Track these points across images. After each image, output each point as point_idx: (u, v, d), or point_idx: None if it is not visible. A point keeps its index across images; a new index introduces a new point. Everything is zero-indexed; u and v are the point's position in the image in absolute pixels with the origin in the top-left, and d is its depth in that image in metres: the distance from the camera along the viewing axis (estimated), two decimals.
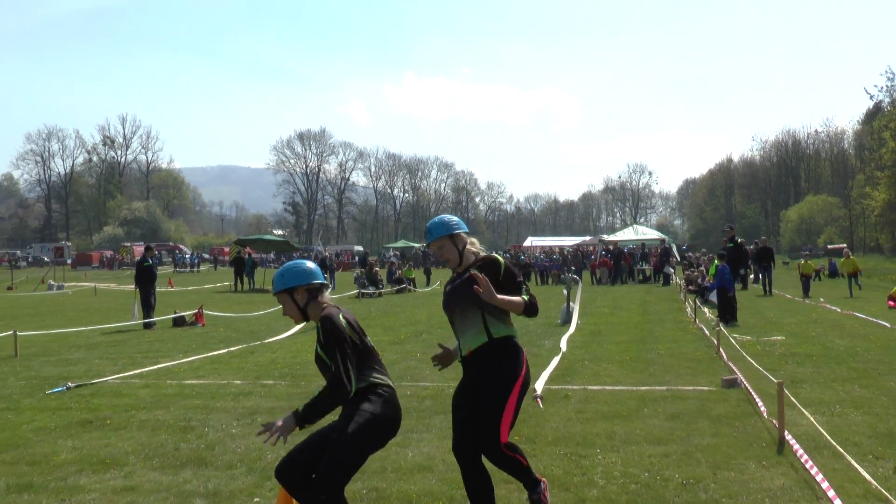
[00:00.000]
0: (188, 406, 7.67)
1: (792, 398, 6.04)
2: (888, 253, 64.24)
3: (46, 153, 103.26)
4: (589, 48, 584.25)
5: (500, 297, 3.89)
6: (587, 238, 65.41)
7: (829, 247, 64.60)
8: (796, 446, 5.42)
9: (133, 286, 18.17)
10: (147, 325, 16.39)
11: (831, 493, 4.41)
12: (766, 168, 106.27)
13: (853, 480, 4.79)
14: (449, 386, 8.52)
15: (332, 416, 3.89)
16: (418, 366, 10.09)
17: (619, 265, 35.25)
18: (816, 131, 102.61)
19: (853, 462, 4.86)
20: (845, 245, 51.93)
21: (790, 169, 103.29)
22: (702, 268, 27.57)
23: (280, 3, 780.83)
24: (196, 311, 17.19)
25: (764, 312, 17.52)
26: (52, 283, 37.54)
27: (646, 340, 12.56)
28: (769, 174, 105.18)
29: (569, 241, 62.17)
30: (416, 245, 74.80)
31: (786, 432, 5.71)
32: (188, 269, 61.22)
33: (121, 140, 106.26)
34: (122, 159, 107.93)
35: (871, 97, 74.25)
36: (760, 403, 6.95)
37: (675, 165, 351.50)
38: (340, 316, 3.86)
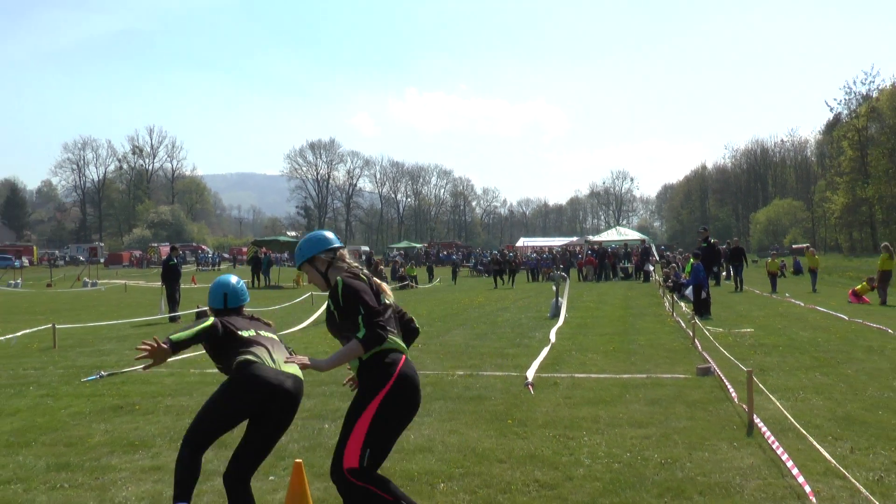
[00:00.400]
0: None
1: (760, 385, 6.05)
2: (846, 252, 64.26)
3: (82, 161, 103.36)
4: (575, 65, 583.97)
5: (329, 360, 3.39)
6: (574, 239, 65.36)
7: (793, 246, 64.61)
8: (764, 429, 5.43)
9: (160, 283, 18.17)
10: (172, 319, 16.39)
11: (795, 471, 4.42)
12: (737, 174, 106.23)
13: (815, 459, 4.80)
14: (448, 374, 8.53)
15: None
16: (420, 355, 10.08)
17: (604, 263, 35.30)
18: (782, 141, 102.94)
19: (815, 443, 4.87)
20: (808, 244, 51.97)
21: (759, 175, 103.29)
22: (673, 265, 27.57)
23: (293, 25, 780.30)
24: None
25: (735, 307, 17.52)
26: (87, 280, 37.54)
27: (628, 332, 12.56)
28: (740, 180, 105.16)
29: (558, 242, 62.12)
30: (418, 245, 74.86)
31: (754, 416, 5.72)
32: (210, 268, 61.35)
33: (148, 149, 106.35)
34: (150, 167, 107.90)
35: (831, 109, 74.81)
36: (731, 390, 6.96)
37: (654, 172, 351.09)
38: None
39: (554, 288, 16.85)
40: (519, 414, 6.39)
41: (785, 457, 4.72)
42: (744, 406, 6.07)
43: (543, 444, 5.44)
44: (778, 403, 5.87)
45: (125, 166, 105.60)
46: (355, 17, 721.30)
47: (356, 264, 3.78)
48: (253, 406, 3.77)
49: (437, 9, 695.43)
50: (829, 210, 68.62)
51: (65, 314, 18.65)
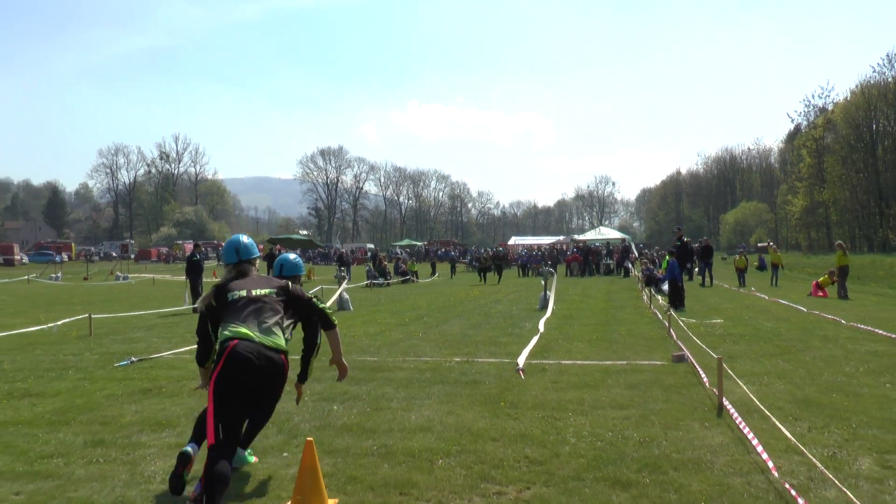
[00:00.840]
0: None
1: (729, 371, 6.06)
2: (805, 250, 64.34)
3: (115, 166, 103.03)
4: (563, 80, 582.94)
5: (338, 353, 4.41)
6: (561, 237, 65.42)
7: (759, 245, 64.69)
8: (732, 410, 5.44)
9: (184, 277, 18.13)
10: (195, 310, 16.32)
11: (760, 449, 4.43)
12: (708, 179, 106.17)
13: (777, 438, 4.81)
14: (446, 361, 8.53)
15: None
16: (420, 343, 10.09)
17: (588, 260, 35.26)
18: (749, 149, 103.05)
19: (777, 423, 4.88)
20: (770, 241, 51.99)
21: (728, 180, 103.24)
22: (645, 260, 27.47)
23: (307, 45, 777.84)
24: None
25: (706, 300, 17.54)
26: (119, 274, 37.43)
27: (609, 323, 12.56)
28: (711, 184, 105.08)
29: (546, 240, 62.11)
30: (418, 243, 74.78)
31: (724, 399, 5.72)
32: None
33: (174, 155, 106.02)
34: (176, 171, 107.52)
35: (792, 120, 74.99)
36: (703, 375, 6.97)
37: (633, 177, 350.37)
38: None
39: (542, 282, 16.85)
40: (511, 397, 6.39)
41: (750, 435, 4.73)
42: (714, 390, 6.08)
43: (533, 424, 5.44)
44: (745, 387, 5.88)
45: (153, 170, 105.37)
46: (362, 37, 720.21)
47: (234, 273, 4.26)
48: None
49: (436, 30, 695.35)
50: (791, 212, 68.72)
51: (99, 305, 18.62)
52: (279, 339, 3.88)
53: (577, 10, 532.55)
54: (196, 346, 4.33)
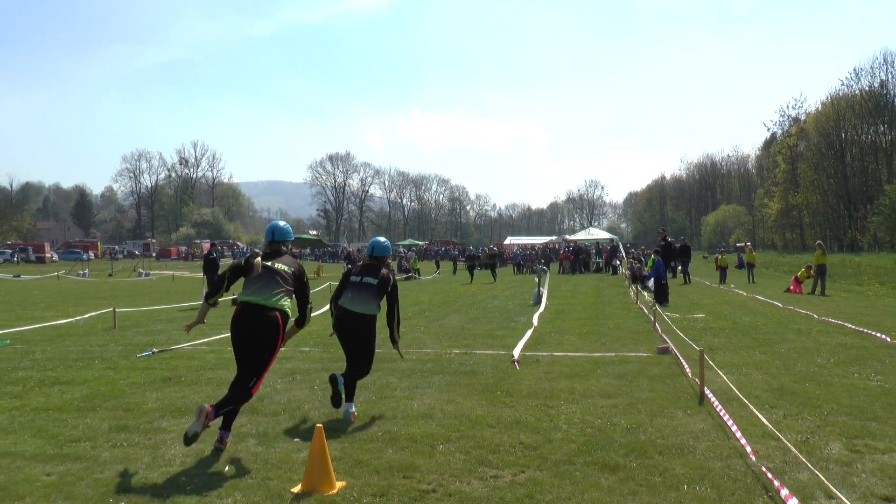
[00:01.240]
0: None
1: (710, 362, 6.06)
2: (780, 250, 64.40)
3: (137, 170, 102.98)
4: (555, 90, 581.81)
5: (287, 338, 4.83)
6: (554, 238, 65.41)
7: (737, 245, 64.71)
8: (713, 399, 5.44)
9: (201, 274, 18.12)
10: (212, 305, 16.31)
11: (738, 434, 4.44)
12: (690, 183, 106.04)
13: (754, 424, 4.81)
14: (446, 352, 8.52)
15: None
16: (422, 336, 10.08)
17: (578, 259, 35.24)
18: (728, 155, 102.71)
19: (754, 410, 4.88)
20: (747, 242, 51.99)
21: (709, 184, 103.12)
22: (632, 259, 27.48)
23: (316, 57, 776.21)
24: None
25: (689, 296, 17.53)
26: (142, 271, 37.45)
27: (598, 317, 12.56)
28: (693, 188, 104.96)
29: (539, 240, 62.06)
30: (420, 243, 74.72)
31: (705, 388, 5.72)
32: None
33: (193, 160, 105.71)
34: (194, 175, 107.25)
35: (768, 129, 74.94)
36: (686, 366, 6.97)
37: (621, 181, 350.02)
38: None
39: (536, 279, 16.85)
40: (506, 386, 6.39)
41: (730, 422, 4.73)
42: (696, 380, 6.08)
43: (527, 411, 5.44)
44: (724, 377, 5.88)
45: (174, 174, 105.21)
46: (368, 50, 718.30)
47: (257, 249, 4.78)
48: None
49: (436, 44, 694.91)
50: (767, 214, 68.79)
51: (123, 300, 18.62)
52: (279, 301, 4.59)
53: (569, 26, 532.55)
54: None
